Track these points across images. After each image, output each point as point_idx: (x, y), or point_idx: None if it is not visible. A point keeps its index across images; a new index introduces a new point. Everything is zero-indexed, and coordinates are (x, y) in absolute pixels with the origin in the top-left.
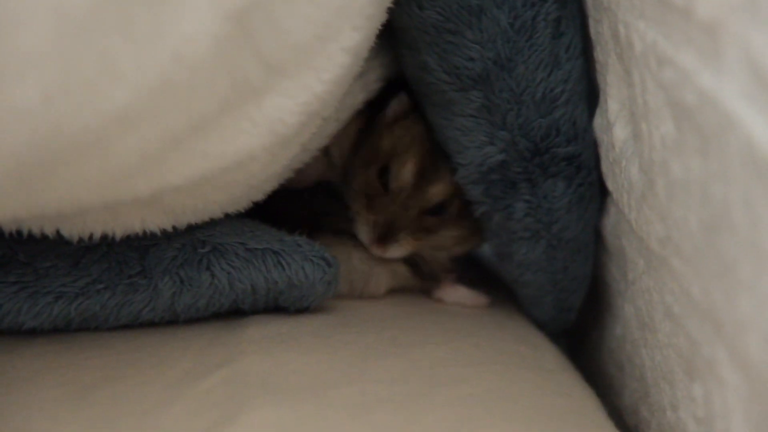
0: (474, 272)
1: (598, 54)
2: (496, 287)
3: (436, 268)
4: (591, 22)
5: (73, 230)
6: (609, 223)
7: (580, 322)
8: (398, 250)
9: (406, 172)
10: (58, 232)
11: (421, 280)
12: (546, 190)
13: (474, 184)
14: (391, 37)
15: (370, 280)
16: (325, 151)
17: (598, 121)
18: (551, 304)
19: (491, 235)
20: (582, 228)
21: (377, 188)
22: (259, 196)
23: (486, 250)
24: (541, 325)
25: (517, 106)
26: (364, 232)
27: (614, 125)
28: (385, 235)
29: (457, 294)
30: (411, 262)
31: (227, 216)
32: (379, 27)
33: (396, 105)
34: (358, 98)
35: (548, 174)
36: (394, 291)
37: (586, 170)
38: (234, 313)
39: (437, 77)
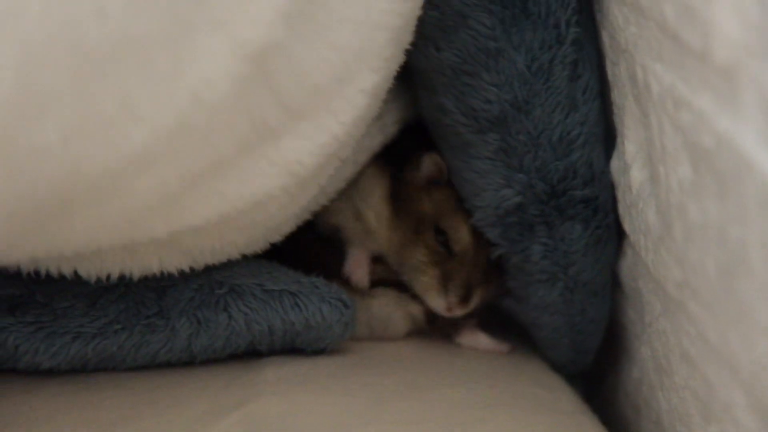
0: (490, 315)
1: (616, 96)
2: (512, 329)
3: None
4: (608, 65)
5: (90, 270)
6: (626, 265)
7: (597, 364)
8: (472, 305)
9: (464, 235)
10: (75, 272)
11: (437, 325)
12: (563, 232)
13: (491, 226)
14: (408, 79)
15: (389, 325)
16: (358, 216)
17: (615, 164)
18: (568, 346)
19: (508, 278)
20: (599, 271)
21: (441, 253)
22: (276, 238)
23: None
24: (558, 368)
25: (534, 149)
26: (440, 298)
27: (631, 167)
28: (466, 296)
29: (477, 340)
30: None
31: (244, 257)
32: (397, 68)
33: (430, 165)
34: (376, 140)
35: (565, 217)
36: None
37: (603, 213)
38: (251, 354)
39: (454, 119)
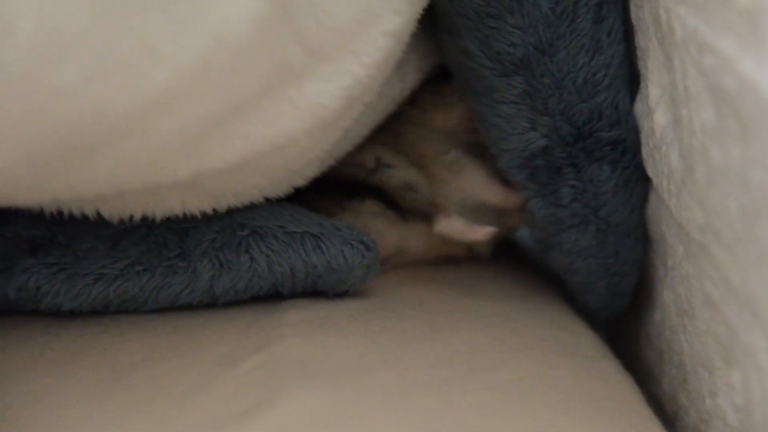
0: (514, 259)
1: (639, 39)
2: (534, 274)
3: (422, 202)
4: (632, 7)
5: (113, 211)
6: (649, 209)
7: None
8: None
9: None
10: (97, 213)
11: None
12: (591, 174)
13: (518, 168)
14: (428, 27)
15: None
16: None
17: (638, 107)
18: (604, 289)
19: (538, 227)
20: (630, 211)
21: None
22: (299, 182)
23: (525, 236)
24: (594, 312)
25: (559, 92)
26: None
27: (654, 111)
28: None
29: (452, 225)
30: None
31: (267, 200)
32: (421, 12)
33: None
34: (395, 89)
35: (593, 158)
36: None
37: (631, 154)
38: (273, 296)
39: (478, 63)
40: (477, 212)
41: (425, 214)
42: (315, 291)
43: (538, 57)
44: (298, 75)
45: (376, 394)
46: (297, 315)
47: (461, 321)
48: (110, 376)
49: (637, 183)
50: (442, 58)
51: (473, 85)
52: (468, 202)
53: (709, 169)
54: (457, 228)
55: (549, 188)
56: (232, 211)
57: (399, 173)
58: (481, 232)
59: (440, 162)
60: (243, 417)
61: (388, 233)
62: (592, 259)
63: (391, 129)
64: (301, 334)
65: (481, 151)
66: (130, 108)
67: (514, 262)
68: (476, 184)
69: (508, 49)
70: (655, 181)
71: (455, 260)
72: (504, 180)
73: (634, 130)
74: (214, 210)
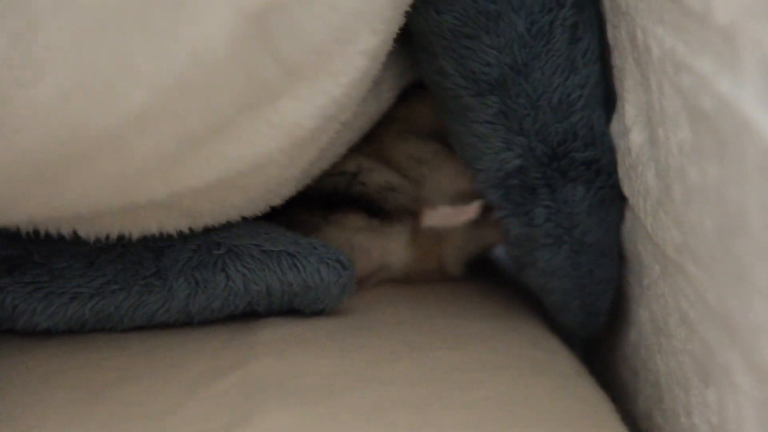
0: (491, 278)
1: (616, 59)
2: (511, 293)
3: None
4: (609, 27)
5: (89, 231)
6: (625, 228)
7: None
8: None
9: None
10: (74, 232)
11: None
12: (566, 194)
13: (493, 188)
14: (405, 44)
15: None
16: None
17: (614, 126)
18: (579, 309)
19: (512, 245)
20: (604, 231)
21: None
22: (276, 201)
23: (502, 255)
24: (571, 331)
25: (534, 112)
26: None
27: (631, 130)
28: None
29: (440, 214)
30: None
31: (244, 219)
32: (396, 31)
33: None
34: (371, 107)
35: (567, 179)
36: (400, 284)
37: (605, 174)
38: (249, 315)
39: (454, 82)
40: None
41: (411, 214)
42: (291, 309)
43: (513, 77)
44: (275, 94)
45: (352, 412)
46: (273, 333)
47: (438, 340)
48: (86, 395)
49: (612, 203)
50: (418, 76)
51: (449, 104)
52: (451, 191)
53: (686, 189)
54: (445, 215)
55: (523, 208)
56: (208, 230)
57: (380, 176)
58: (469, 210)
59: (422, 155)
60: None
61: (372, 248)
62: (567, 278)
63: (373, 133)
64: (277, 353)
65: None
66: (108, 127)
67: (491, 280)
68: (458, 174)
69: (484, 69)
70: (631, 200)
71: (431, 277)
72: None
73: (609, 151)
74: (191, 229)
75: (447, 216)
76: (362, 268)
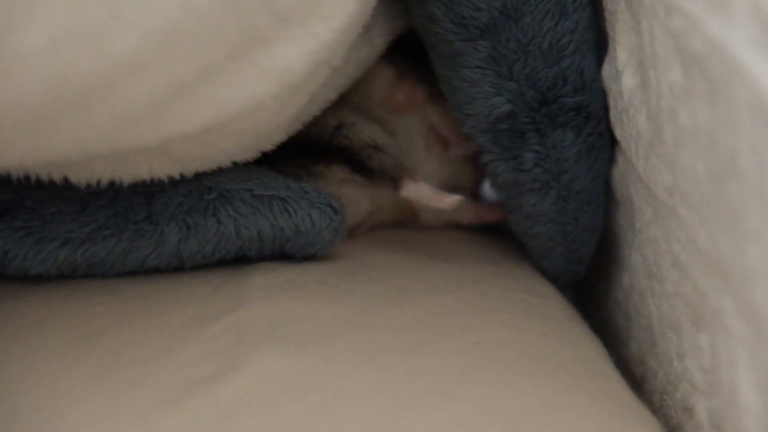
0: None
1: (607, 3)
2: (503, 238)
3: (388, 165)
4: None
5: (80, 176)
6: (617, 172)
7: (587, 272)
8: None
9: None
10: (65, 178)
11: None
12: (555, 140)
13: (482, 132)
14: None
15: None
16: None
17: (606, 70)
18: (562, 255)
19: (500, 188)
20: (592, 178)
21: None
22: (267, 146)
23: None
24: (552, 278)
25: (524, 57)
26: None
27: (623, 74)
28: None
29: (419, 190)
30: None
31: (234, 164)
32: None
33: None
34: (362, 53)
35: (557, 124)
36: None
37: (595, 120)
38: (240, 260)
39: (444, 27)
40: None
41: (392, 179)
42: (283, 254)
43: (503, 22)
44: (266, 39)
45: (343, 357)
46: (265, 278)
47: (430, 284)
48: (78, 341)
49: (601, 150)
50: (409, 22)
51: (439, 49)
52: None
53: (677, 131)
54: (424, 193)
55: (512, 152)
56: (199, 175)
57: (365, 130)
58: (449, 201)
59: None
60: (211, 380)
61: (359, 198)
62: (551, 224)
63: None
64: (269, 298)
65: None
66: (97, 72)
67: (483, 226)
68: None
69: (474, 14)
70: (622, 144)
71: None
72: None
73: (599, 96)
74: (182, 175)
75: (425, 195)
76: (350, 218)
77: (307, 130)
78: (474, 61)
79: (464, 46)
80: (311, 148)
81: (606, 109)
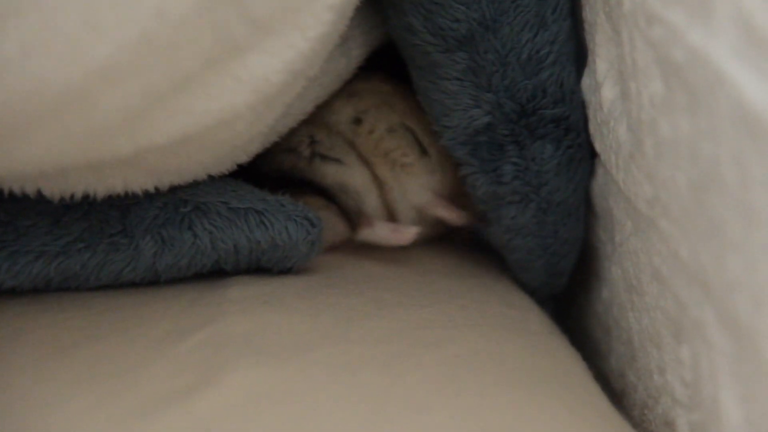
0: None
1: (587, 14)
2: (481, 251)
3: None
4: None
5: (54, 189)
6: (596, 184)
7: (567, 285)
8: None
9: None
10: (39, 191)
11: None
12: (534, 152)
13: (461, 145)
14: (373, 1)
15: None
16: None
17: (586, 82)
18: (542, 269)
19: (478, 200)
20: (572, 191)
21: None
22: (243, 158)
23: None
24: (531, 291)
25: (503, 68)
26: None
27: (602, 85)
28: None
29: (375, 231)
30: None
31: (211, 177)
32: None
33: None
34: (340, 64)
35: (536, 136)
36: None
37: (575, 132)
38: (216, 273)
39: (422, 39)
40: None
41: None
42: (259, 268)
43: (481, 33)
44: (242, 49)
45: (321, 370)
46: (241, 292)
47: (408, 297)
48: (52, 354)
49: (581, 162)
50: (387, 34)
51: (417, 60)
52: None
53: (658, 142)
54: (380, 235)
55: (491, 165)
56: (174, 188)
57: (332, 171)
58: (406, 236)
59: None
60: (187, 394)
61: (338, 223)
62: (531, 237)
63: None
64: (245, 311)
65: None
66: (70, 82)
67: (462, 239)
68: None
69: (452, 25)
70: (602, 156)
71: None
72: None
73: (579, 108)
74: (156, 188)
75: (381, 237)
76: (329, 241)
77: (282, 161)
78: (452, 73)
79: (442, 57)
80: (288, 178)
81: (586, 120)
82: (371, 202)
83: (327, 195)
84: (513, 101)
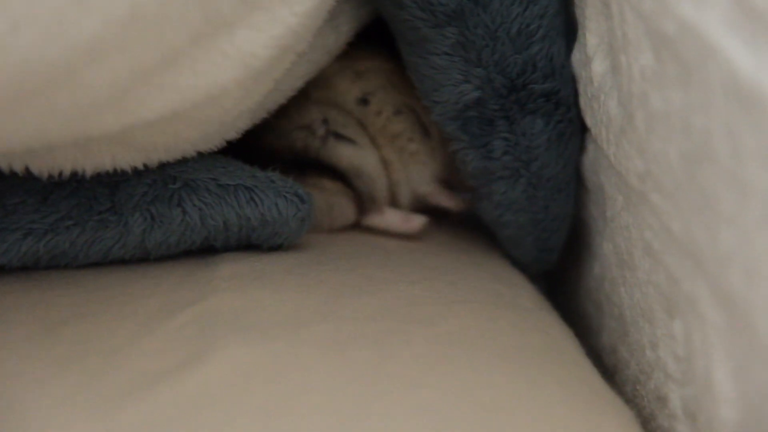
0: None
1: None
2: (472, 228)
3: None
4: None
5: (42, 167)
6: (587, 160)
7: (558, 261)
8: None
9: None
10: (27, 169)
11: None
12: (524, 127)
13: (451, 120)
14: None
15: (333, 213)
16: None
17: (576, 57)
18: (532, 244)
19: (469, 176)
20: (562, 166)
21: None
22: (232, 134)
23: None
24: (522, 267)
25: (492, 43)
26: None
27: (593, 60)
28: None
29: (384, 218)
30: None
31: (199, 153)
32: None
33: None
34: (329, 39)
35: (526, 111)
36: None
37: (565, 107)
38: (206, 250)
39: (411, 14)
40: None
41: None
42: (249, 244)
43: (471, 7)
44: (230, 24)
45: (311, 347)
46: (230, 268)
47: (399, 275)
48: (42, 332)
49: (571, 137)
50: (376, 9)
51: (407, 36)
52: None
53: (649, 116)
54: (390, 222)
55: (481, 140)
56: (163, 165)
57: (348, 152)
58: (415, 225)
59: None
60: (176, 371)
61: (349, 207)
62: (522, 212)
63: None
64: (235, 288)
65: None
66: (59, 58)
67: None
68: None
69: (442, 1)
70: (593, 131)
71: None
72: None
73: (569, 83)
74: (145, 165)
75: (391, 224)
76: (340, 224)
77: (294, 141)
78: (442, 48)
79: (432, 32)
80: (301, 158)
81: (576, 95)
82: (381, 186)
83: (342, 178)
84: (503, 76)
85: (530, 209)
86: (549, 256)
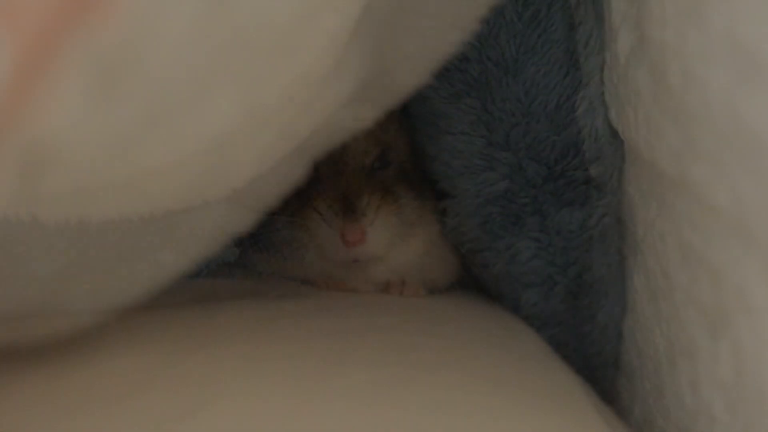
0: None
1: None
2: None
3: None
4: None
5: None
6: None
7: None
8: (378, 229)
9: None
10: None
11: None
12: (559, 223)
13: (468, 217)
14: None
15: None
16: None
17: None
18: (582, 362)
19: (491, 282)
20: (607, 266)
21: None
22: (238, 183)
23: None
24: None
25: (525, 120)
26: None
27: (618, 34)
28: (349, 208)
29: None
30: None
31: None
32: (359, 11)
33: None
34: (335, 89)
35: (563, 202)
36: None
37: (610, 193)
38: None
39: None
40: None
41: None
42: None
43: (498, 75)
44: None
45: (316, 397)
46: (234, 316)
47: (402, 321)
48: (49, 377)
49: (613, 230)
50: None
51: (413, 108)
52: None
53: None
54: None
55: (503, 242)
56: None
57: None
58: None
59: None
60: (179, 421)
61: None
62: (561, 326)
63: None
64: (241, 336)
65: None
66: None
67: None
68: None
69: (460, 65)
70: (620, 128)
71: None
72: None
73: (616, 159)
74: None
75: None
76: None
77: None
78: (459, 126)
79: (447, 106)
80: None
81: (620, 172)
82: None
83: None
84: (537, 162)
85: (572, 322)
86: (605, 372)
